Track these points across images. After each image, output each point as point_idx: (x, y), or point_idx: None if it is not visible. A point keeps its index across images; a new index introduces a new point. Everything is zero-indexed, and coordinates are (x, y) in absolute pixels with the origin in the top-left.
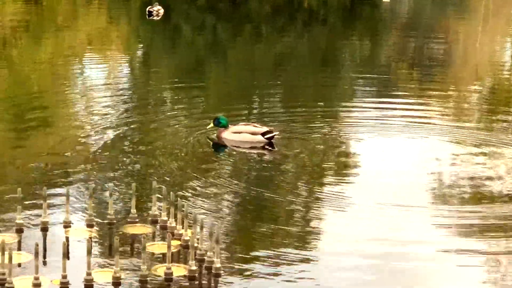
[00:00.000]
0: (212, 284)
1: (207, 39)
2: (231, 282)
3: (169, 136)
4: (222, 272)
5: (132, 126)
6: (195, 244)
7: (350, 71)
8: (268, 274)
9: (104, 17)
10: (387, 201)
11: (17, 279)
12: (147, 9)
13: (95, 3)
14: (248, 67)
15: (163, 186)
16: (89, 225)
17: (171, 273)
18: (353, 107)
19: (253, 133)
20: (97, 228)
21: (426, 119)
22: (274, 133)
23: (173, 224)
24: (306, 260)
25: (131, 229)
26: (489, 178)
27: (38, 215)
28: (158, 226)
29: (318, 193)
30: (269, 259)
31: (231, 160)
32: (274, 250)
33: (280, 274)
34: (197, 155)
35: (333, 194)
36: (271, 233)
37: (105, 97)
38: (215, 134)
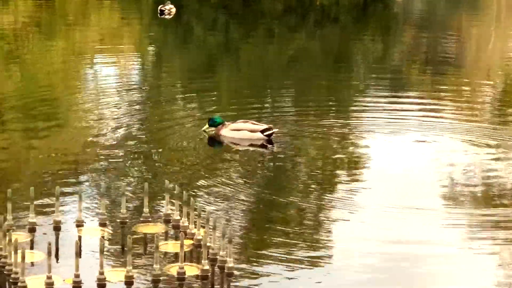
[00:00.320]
0: (225, 284)
1: (219, 38)
2: (244, 282)
3: (181, 135)
4: (234, 272)
5: (143, 125)
6: (208, 244)
7: (362, 70)
8: (280, 274)
9: (115, 15)
10: (398, 202)
11: (30, 278)
12: (158, 8)
13: (107, 1)
14: (260, 66)
15: (176, 185)
16: (102, 224)
17: (184, 273)
18: (365, 105)
19: (252, 131)
20: (110, 227)
21: (439, 118)
22: (273, 130)
23: (186, 224)
24: (318, 261)
25: (144, 228)
26: (503, 178)
27: (51, 214)
28: (170, 225)
29: (329, 193)
30: (281, 259)
31: (241, 159)
32: (285, 250)
33: (292, 274)
34: (208, 154)
35: (344, 194)
36: (282, 233)
37: (117, 96)
38: (213, 132)
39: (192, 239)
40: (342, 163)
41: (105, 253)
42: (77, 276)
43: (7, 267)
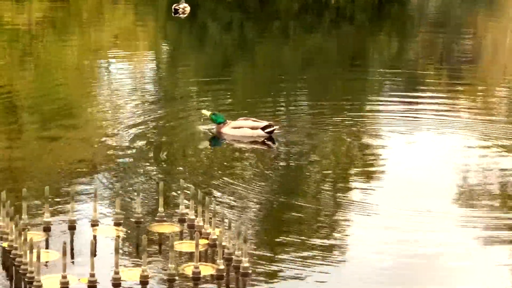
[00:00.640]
0: (240, 284)
1: (234, 37)
2: (259, 282)
3: (195, 134)
4: (250, 271)
5: (158, 124)
6: (223, 243)
7: (378, 69)
8: (295, 274)
9: (130, 14)
10: (413, 203)
11: (45, 277)
12: (172, 7)
13: (121, 0)
14: (275, 65)
15: (191, 185)
16: (117, 224)
17: (199, 272)
18: (381, 104)
19: (253, 128)
20: (125, 227)
21: (455, 117)
22: (274, 127)
23: (201, 223)
24: (333, 261)
25: (159, 228)
26: None
27: (66, 214)
28: (185, 225)
29: (342, 192)
30: (296, 259)
31: (252, 157)
32: (300, 250)
33: (307, 275)
34: (220, 153)
35: (358, 194)
36: (297, 233)
37: (131, 95)
38: (214, 129)
39: (207, 238)
40: (356, 163)
41: (120, 252)
42: (92, 275)
43: (22, 266)
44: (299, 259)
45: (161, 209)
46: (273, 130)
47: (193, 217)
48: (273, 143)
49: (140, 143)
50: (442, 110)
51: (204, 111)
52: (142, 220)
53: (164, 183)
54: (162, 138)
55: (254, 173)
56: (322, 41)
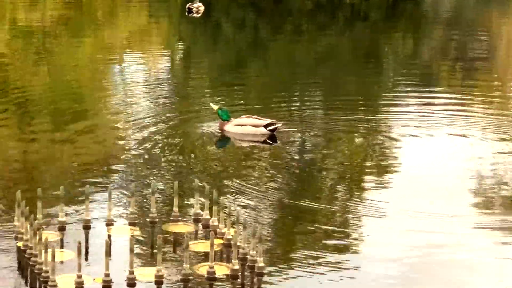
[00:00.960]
0: (255, 284)
1: (248, 36)
2: (274, 282)
3: (209, 134)
4: (264, 271)
5: (172, 124)
6: (238, 243)
7: (392, 67)
8: (309, 274)
9: (144, 13)
10: (427, 205)
11: (60, 277)
12: (187, 6)
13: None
14: (289, 63)
15: (206, 185)
16: (131, 224)
17: (214, 272)
18: (395, 103)
19: (256, 126)
20: (139, 227)
21: (469, 115)
22: (276, 125)
23: (216, 223)
24: (347, 263)
25: (174, 228)
26: None
27: (81, 213)
28: (200, 225)
29: (356, 192)
30: (310, 259)
31: (264, 157)
32: (314, 251)
33: (321, 275)
34: (236, 152)
35: (372, 194)
36: (311, 233)
37: (145, 94)
38: (217, 126)
39: (222, 238)
40: (370, 162)
41: (134, 252)
42: (107, 275)
43: (37, 266)
44: (313, 259)
45: (175, 209)
46: (276, 128)
47: (208, 217)
48: (275, 142)
49: (154, 143)
50: (456, 110)
51: (212, 105)
52: (157, 220)
53: (179, 182)
54: (176, 138)
55: (267, 172)
56: (335, 39)
